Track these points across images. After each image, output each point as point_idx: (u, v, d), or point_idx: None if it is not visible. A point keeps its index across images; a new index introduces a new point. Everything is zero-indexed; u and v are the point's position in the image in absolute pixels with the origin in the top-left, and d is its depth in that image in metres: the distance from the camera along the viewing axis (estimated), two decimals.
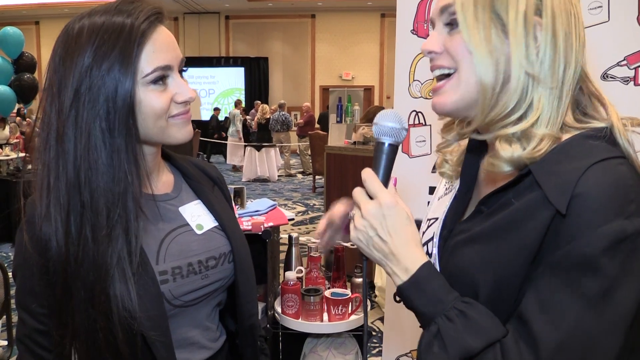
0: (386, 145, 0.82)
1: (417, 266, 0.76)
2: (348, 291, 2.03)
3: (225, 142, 11.80)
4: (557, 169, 0.69)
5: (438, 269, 0.82)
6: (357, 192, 0.82)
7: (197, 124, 12.56)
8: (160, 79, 0.87)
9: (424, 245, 0.92)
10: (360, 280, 2.03)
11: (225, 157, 12.29)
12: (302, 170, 11.45)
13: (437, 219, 0.91)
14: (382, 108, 6.31)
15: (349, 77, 15.60)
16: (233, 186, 2.29)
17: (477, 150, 0.87)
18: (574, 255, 0.65)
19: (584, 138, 0.73)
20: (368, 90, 15.26)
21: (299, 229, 6.39)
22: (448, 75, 0.78)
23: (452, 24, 0.77)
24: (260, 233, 1.98)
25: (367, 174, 0.81)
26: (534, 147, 0.72)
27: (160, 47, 0.87)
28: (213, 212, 1.04)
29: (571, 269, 0.65)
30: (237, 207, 2.21)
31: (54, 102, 0.84)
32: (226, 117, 11.86)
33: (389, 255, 0.78)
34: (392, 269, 0.78)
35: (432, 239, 0.90)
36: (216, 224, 1.03)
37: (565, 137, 0.74)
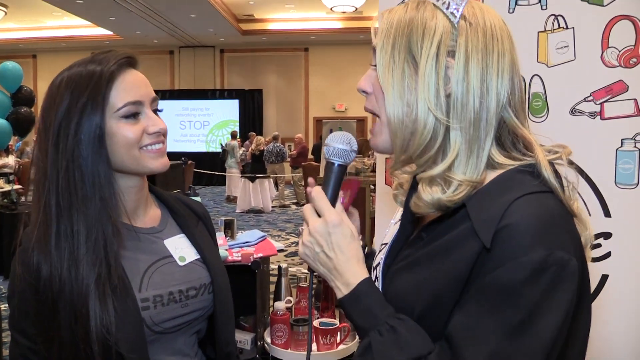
0: (335, 165, 0.87)
1: (357, 281, 0.81)
2: (336, 321, 2.06)
3: (222, 173, 11.86)
4: (487, 202, 0.73)
5: (382, 291, 0.85)
6: (306, 209, 0.86)
7: (189, 156, 12.64)
8: (132, 115, 0.97)
9: (373, 269, 0.95)
10: None
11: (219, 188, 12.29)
12: (295, 200, 11.49)
13: (386, 244, 0.95)
14: (368, 141, 6.38)
15: (342, 108, 15.79)
16: (224, 218, 2.35)
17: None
18: (497, 284, 0.68)
19: (515, 173, 0.76)
20: (361, 121, 15.44)
21: (292, 259, 6.39)
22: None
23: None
24: (249, 264, 2.02)
25: (316, 192, 0.85)
26: (454, 191, 0.75)
27: (130, 85, 0.97)
28: (196, 245, 1.11)
29: (494, 297, 0.68)
30: (227, 238, 2.26)
31: (42, 143, 0.96)
32: (224, 149, 11.94)
33: (332, 270, 0.82)
34: (336, 283, 0.82)
35: (379, 263, 0.94)
36: (198, 256, 1.10)
37: (497, 172, 0.77)
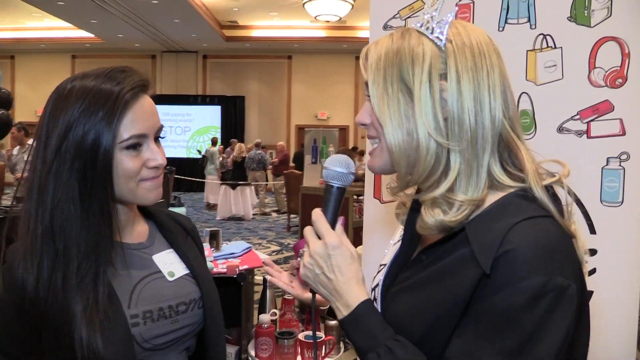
0: (334, 188, 0.88)
1: (357, 303, 0.82)
2: (322, 334, 2.05)
3: (202, 180, 11.77)
4: (487, 226, 0.73)
5: (381, 313, 0.86)
6: (307, 231, 0.88)
7: (170, 162, 12.51)
8: (134, 146, 0.95)
9: (372, 290, 0.96)
10: (334, 322, 2.06)
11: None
12: (276, 208, 11.44)
13: (385, 265, 0.96)
14: (351, 150, 6.42)
15: (325, 117, 15.82)
16: (209, 228, 2.32)
17: (420, 206, 0.91)
18: (496, 309, 0.69)
19: (515, 197, 0.77)
20: (343, 130, 15.49)
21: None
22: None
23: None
24: (234, 276, 2.00)
25: (316, 215, 0.87)
26: (456, 212, 0.76)
27: (139, 117, 0.95)
28: (185, 260, 1.10)
29: (493, 322, 0.69)
30: (212, 249, 2.23)
31: (39, 154, 0.92)
32: (204, 156, 11.86)
33: (333, 291, 0.84)
34: (336, 304, 0.84)
35: (378, 285, 0.95)
36: (187, 271, 1.09)
37: (500, 195, 0.78)
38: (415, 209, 0.92)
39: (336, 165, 0.88)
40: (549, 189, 0.78)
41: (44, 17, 12.85)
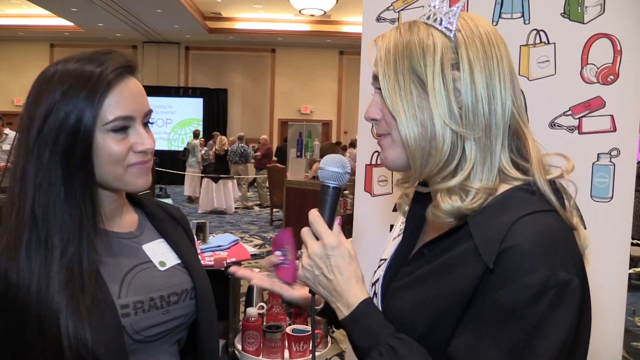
0: (331, 188, 0.88)
1: (358, 302, 0.81)
2: (309, 327, 2.04)
3: (184, 172, 11.66)
4: (489, 221, 0.73)
5: (381, 309, 0.86)
6: (305, 232, 0.87)
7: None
8: (121, 129, 0.91)
9: (372, 285, 0.96)
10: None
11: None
12: (259, 202, 11.40)
13: (386, 260, 0.96)
14: (335, 145, 6.42)
15: (308, 111, 15.81)
16: (196, 221, 2.29)
17: (423, 198, 0.91)
18: (498, 305, 0.69)
19: (518, 191, 0.77)
20: (326, 124, 15.50)
21: (257, 262, 6.32)
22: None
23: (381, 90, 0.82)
24: (222, 269, 1.98)
25: (314, 215, 0.86)
26: (472, 199, 0.76)
27: (124, 98, 0.92)
28: (176, 250, 1.07)
29: (496, 318, 0.69)
30: (199, 242, 2.20)
31: (22, 140, 0.90)
32: (185, 148, 11.74)
33: (333, 292, 0.83)
34: (337, 304, 0.83)
35: (378, 280, 0.94)
36: (179, 261, 1.07)
37: (505, 187, 0.78)
38: (418, 200, 0.91)
39: (332, 165, 0.88)
40: (551, 182, 0.78)
41: (22, 4, 12.56)
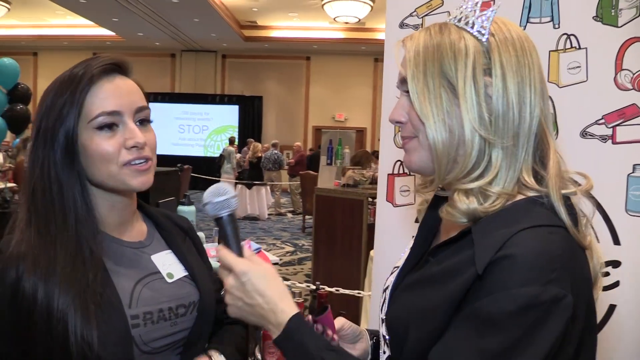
0: (224, 217, 0.87)
1: (287, 319, 0.80)
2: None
3: (219, 179, 11.80)
4: (492, 231, 0.71)
5: (385, 315, 0.86)
6: (219, 271, 0.87)
7: (187, 160, 12.58)
8: (108, 126, 0.91)
9: (382, 292, 0.94)
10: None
11: None
12: (292, 209, 11.43)
13: (398, 267, 0.94)
14: (368, 152, 6.38)
15: (342, 118, 15.79)
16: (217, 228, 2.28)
17: (442, 203, 0.88)
18: (484, 312, 0.67)
19: (528, 203, 0.75)
20: (360, 132, 15.43)
21: (287, 269, 6.32)
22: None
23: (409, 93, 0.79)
24: None
25: (220, 252, 0.86)
26: (491, 203, 0.74)
27: (108, 94, 0.91)
28: (183, 261, 1.07)
29: (479, 325, 0.67)
30: None
31: (30, 146, 0.94)
32: (220, 155, 11.90)
33: (260, 317, 0.83)
34: (269, 327, 0.82)
35: (388, 287, 0.93)
36: (186, 273, 1.06)
37: (519, 197, 0.76)
38: (436, 205, 0.89)
39: (213, 196, 0.87)
40: (566, 198, 0.75)
41: (67, 15, 13.02)
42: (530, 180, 0.76)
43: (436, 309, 0.72)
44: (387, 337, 0.88)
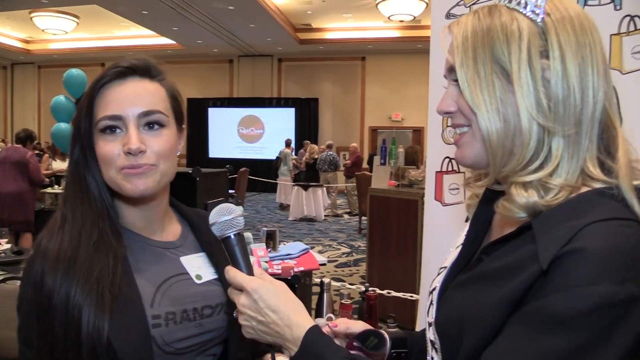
0: (232, 237, 0.85)
1: (303, 333, 0.77)
2: None
3: (275, 181, 11.97)
4: (557, 224, 0.64)
5: (434, 318, 0.80)
6: (229, 292, 0.85)
7: (245, 163, 12.82)
8: (109, 129, 0.92)
9: (429, 294, 0.89)
10: (394, 331, 1.95)
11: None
12: (348, 210, 11.39)
13: (446, 268, 0.88)
14: (417, 148, 6.22)
15: (399, 118, 15.60)
16: (266, 228, 2.29)
17: (495, 197, 0.82)
18: (549, 310, 0.60)
19: (596, 194, 0.67)
20: (417, 131, 15.18)
21: (342, 270, 6.30)
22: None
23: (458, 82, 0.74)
24: (289, 278, 1.95)
25: (229, 272, 0.84)
26: (553, 196, 0.68)
27: (112, 98, 0.92)
28: (215, 264, 1.05)
29: (543, 324, 0.60)
30: (269, 249, 2.20)
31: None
32: (277, 157, 12.07)
33: (275, 334, 0.80)
34: (285, 344, 0.79)
35: (435, 288, 0.87)
36: (216, 276, 1.04)
37: (584, 189, 0.69)
38: (488, 199, 0.82)
39: (219, 216, 0.86)
40: (638, 189, 0.68)
41: (130, 26, 13.63)
42: (595, 170, 0.69)
43: (493, 310, 0.66)
44: (436, 341, 0.82)
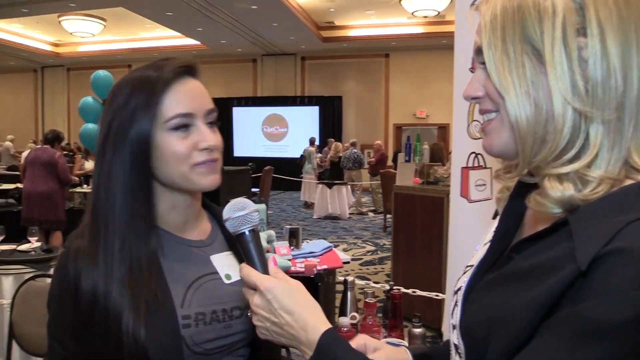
0: (247, 233, 0.84)
1: (318, 336, 0.73)
2: (405, 342, 1.92)
3: (300, 179, 11.98)
4: (597, 221, 0.58)
5: (459, 320, 0.75)
6: (244, 291, 0.82)
7: (269, 162, 12.86)
8: (183, 127, 0.92)
9: (453, 294, 0.83)
10: (418, 330, 1.92)
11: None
12: (373, 208, 11.34)
13: (472, 266, 0.82)
14: (442, 146, 6.13)
15: (423, 115, 15.46)
16: (289, 226, 2.28)
17: (527, 191, 0.75)
18: (585, 316, 0.54)
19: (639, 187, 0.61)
20: (442, 128, 15.02)
21: (367, 268, 6.26)
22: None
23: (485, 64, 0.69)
24: (312, 276, 1.93)
25: (243, 270, 0.81)
26: (592, 190, 0.62)
27: (182, 96, 0.93)
28: None
29: (577, 330, 0.55)
30: (291, 247, 2.18)
31: (97, 145, 0.96)
32: (302, 155, 12.09)
33: (290, 337, 0.76)
34: (300, 348, 0.76)
35: (460, 288, 0.82)
36: None
37: (627, 181, 0.63)
38: (519, 193, 0.77)
39: (233, 212, 0.84)
40: None
41: (155, 28, 13.81)
42: (638, 162, 0.63)
43: (523, 313, 0.61)
44: (460, 346, 0.77)
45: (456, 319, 0.78)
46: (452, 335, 0.82)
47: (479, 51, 0.70)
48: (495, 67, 0.66)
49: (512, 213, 0.79)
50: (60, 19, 12.93)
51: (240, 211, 0.84)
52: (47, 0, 10.87)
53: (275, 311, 0.77)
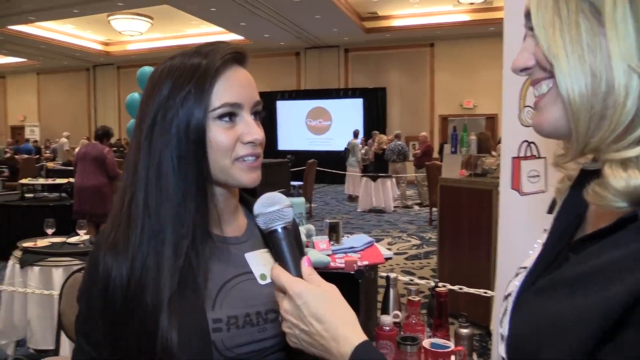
0: (279, 230, 0.78)
1: (351, 350, 0.67)
2: (450, 343, 1.82)
3: (344, 172, 11.92)
4: None
5: (508, 326, 0.65)
6: (275, 293, 0.77)
7: (314, 155, 12.85)
8: (228, 115, 0.86)
9: (503, 300, 0.73)
10: (466, 331, 1.82)
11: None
12: (419, 201, 11.14)
13: (526, 268, 0.72)
14: (489, 137, 5.90)
15: (471, 105, 15.07)
16: (329, 220, 2.21)
17: (590, 180, 0.63)
18: None
19: None
20: (491, 118, 14.58)
21: (412, 263, 6.14)
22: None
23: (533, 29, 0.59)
24: (352, 272, 1.86)
25: (274, 271, 0.76)
26: None
27: (231, 85, 0.87)
28: None
29: None
30: (331, 242, 2.12)
31: (136, 133, 0.89)
32: (346, 148, 12.02)
33: (320, 347, 0.70)
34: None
35: (511, 293, 0.71)
36: None
37: None
38: (581, 182, 0.64)
39: (265, 207, 0.79)
40: None
41: (200, 24, 14.03)
42: None
43: (580, 323, 0.51)
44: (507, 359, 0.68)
45: (505, 328, 0.68)
46: (500, 348, 0.72)
47: (528, 15, 0.60)
48: (544, 30, 0.56)
49: (572, 206, 0.67)
50: (110, 18, 13.33)
51: (272, 206, 0.78)
52: (95, 0, 11.22)
53: (304, 318, 0.71)
